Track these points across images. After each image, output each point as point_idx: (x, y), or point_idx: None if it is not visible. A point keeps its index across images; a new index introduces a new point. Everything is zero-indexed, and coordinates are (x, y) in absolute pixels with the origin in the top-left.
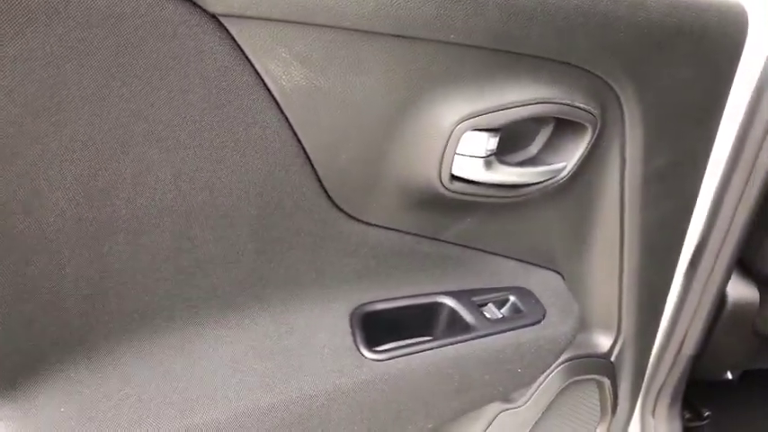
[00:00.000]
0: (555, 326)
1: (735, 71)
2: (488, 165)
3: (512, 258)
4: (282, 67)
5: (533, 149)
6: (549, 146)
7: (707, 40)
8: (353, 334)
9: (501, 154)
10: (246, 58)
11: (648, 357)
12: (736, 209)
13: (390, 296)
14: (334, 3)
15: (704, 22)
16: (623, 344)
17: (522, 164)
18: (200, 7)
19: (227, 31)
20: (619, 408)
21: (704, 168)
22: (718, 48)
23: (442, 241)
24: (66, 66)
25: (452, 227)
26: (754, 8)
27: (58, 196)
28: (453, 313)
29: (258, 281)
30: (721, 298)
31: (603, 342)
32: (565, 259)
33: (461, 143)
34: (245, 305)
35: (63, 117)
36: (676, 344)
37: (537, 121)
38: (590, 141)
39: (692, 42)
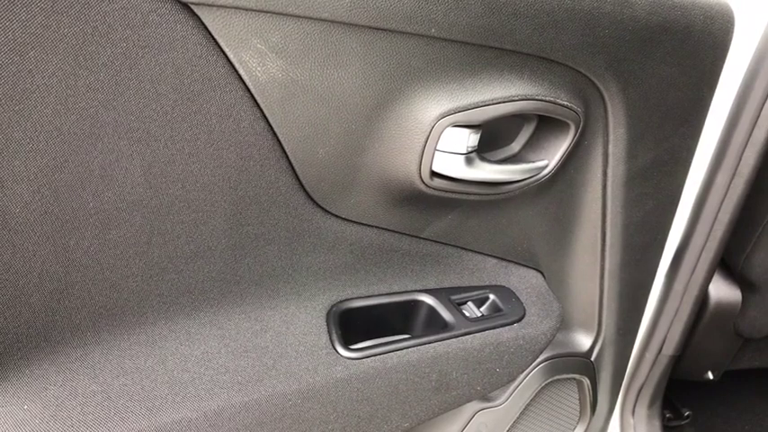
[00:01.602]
0: (535, 325)
1: (720, 70)
2: (469, 162)
3: (492, 256)
4: (257, 58)
5: (515, 147)
6: (531, 143)
7: (692, 38)
8: (329, 332)
9: (482, 151)
10: (220, 48)
11: (629, 357)
12: (719, 209)
13: (368, 294)
14: None
15: (689, 21)
16: (603, 343)
17: (503, 161)
18: None
19: (199, 20)
20: (598, 407)
21: (688, 167)
22: (704, 46)
23: (422, 238)
24: (30, 53)
25: (432, 224)
26: (740, 7)
27: (22, 188)
28: (432, 311)
29: (232, 277)
30: (703, 298)
31: (584, 341)
32: (546, 258)
33: (442, 139)
34: (219, 302)
35: (27, 106)
36: (657, 344)
37: (519, 118)
38: (573, 139)
39: (677, 40)
